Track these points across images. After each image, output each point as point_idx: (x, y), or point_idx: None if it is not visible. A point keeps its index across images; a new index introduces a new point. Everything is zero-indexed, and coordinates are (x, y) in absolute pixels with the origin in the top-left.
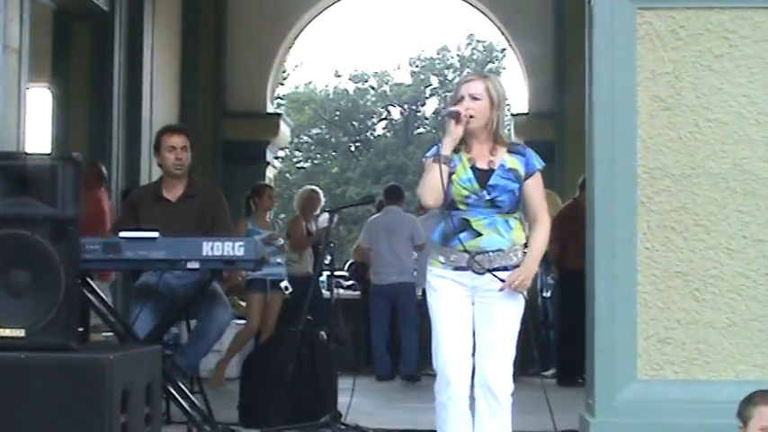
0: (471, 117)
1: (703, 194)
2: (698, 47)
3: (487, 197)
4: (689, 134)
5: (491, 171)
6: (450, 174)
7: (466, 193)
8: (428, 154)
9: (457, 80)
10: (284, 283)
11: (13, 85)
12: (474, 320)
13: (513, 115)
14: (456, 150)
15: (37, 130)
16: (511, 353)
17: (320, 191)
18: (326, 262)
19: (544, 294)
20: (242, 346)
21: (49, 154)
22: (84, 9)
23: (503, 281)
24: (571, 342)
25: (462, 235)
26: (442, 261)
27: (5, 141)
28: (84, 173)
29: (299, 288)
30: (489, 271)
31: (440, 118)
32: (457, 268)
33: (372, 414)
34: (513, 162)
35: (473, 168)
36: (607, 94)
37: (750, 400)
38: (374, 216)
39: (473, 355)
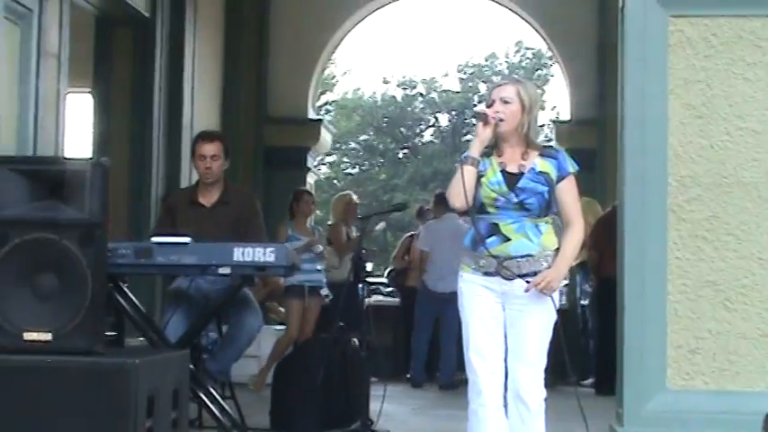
0: (501, 120)
1: (734, 203)
2: (730, 55)
3: (516, 200)
4: (720, 143)
5: (521, 174)
6: (480, 176)
7: (494, 195)
8: (460, 157)
9: None
10: (324, 291)
11: (51, 90)
12: (505, 326)
13: (556, 122)
14: (487, 154)
15: (79, 135)
16: (542, 361)
17: (355, 195)
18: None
19: (582, 302)
20: (282, 353)
21: (78, 159)
22: (126, 15)
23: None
24: (609, 351)
25: (491, 240)
26: (472, 266)
27: (44, 146)
28: None
29: (340, 295)
30: (519, 276)
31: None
32: (486, 274)
33: (405, 421)
34: (544, 165)
35: (503, 172)
36: (638, 102)
37: None
38: (432, 221)
39: (505, 359)
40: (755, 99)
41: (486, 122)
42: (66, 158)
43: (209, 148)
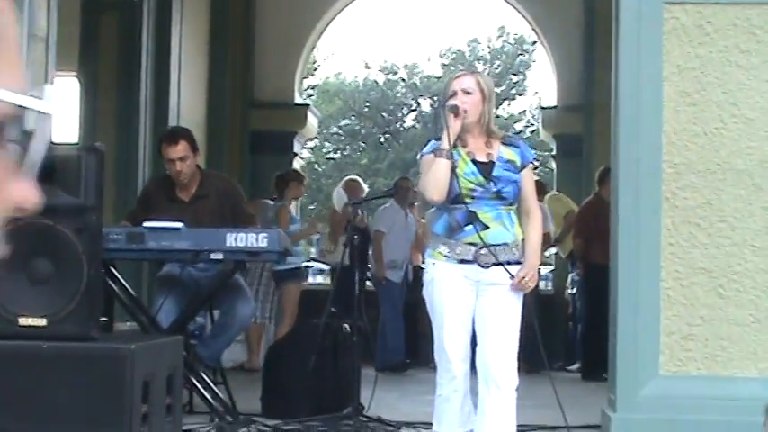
0: (465, 111)
1: (728, 191)
2: (725, 42)
3: (494, 189)
4: (714, 130)
5: (491, 163)
6: (453, 168)
7: (472, 186)
8: (425, 151)
9: (487, 72)
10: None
11: (39, 74)
12: (474, 313)
13: (542, 108)
14: (453, 146)
15: (65, 119)
16: (514, 345)
17: (360, 179)
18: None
19: (570, 290)
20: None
21: (75, 144)
22: None
23: (512, 275)
24: (596, 337)
25: (469, 228)
26: (447, 254)
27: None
28: None
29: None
30: (500, 264)
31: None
32: (462, 261)
33: (396, 407)
34: (509, 154)
35: (474, 162)
36: (633, 89)
37: None
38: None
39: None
40: (749, 87)
41: (457, 115)
42: (60, 144)
43: (175, 151)
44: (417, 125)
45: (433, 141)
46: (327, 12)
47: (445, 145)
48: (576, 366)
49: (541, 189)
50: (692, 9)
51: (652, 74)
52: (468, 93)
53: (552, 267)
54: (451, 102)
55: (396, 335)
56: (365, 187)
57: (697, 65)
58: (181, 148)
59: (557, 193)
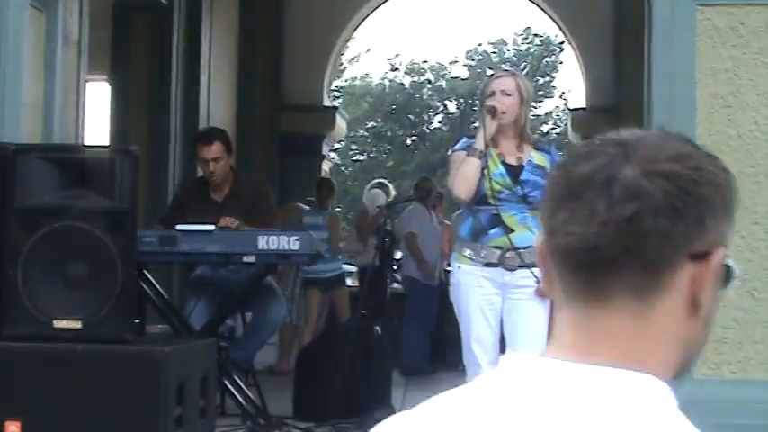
0: (503, 113)
1: (762, 193)
2: (758, 44)
3: (521, 193)
4: (748, 132)
5: (521, 167)
6: (482, 168)
7: (499, 188)
8: (457, 147)
9: None
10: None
11: (72, 77)
12: (502, 316)
13: (570, 110)
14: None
15: (96, 123)
16: (542, 347)
17: (388, 184)
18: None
19: None
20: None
21: (107, 147)
22: (144, 2)
23: (537, 279)
24: None
25: (494, 231)
26: (472, 257)
27: (64, 134)
28: None
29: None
30: (525, 266)
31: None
32: (487, 264)
33: None
34: (539, 159)
35: (504, 164)
36: (665, 92)
37: None
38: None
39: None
40: None
41: (494, 116)
42: (94, 147)
43: (210, 151)
44: (444, 127)
45: (465, 138)
46: (355, 15)
47: (479, 144)
48: None
49: None
50: (725, 10)
51: (685, 76)
52: (507, 94)
53: None
54: (490, 102)
55: (416, 340)
56: (393, 191)
57: (730, 66)
58: (215, 149)
59: None
